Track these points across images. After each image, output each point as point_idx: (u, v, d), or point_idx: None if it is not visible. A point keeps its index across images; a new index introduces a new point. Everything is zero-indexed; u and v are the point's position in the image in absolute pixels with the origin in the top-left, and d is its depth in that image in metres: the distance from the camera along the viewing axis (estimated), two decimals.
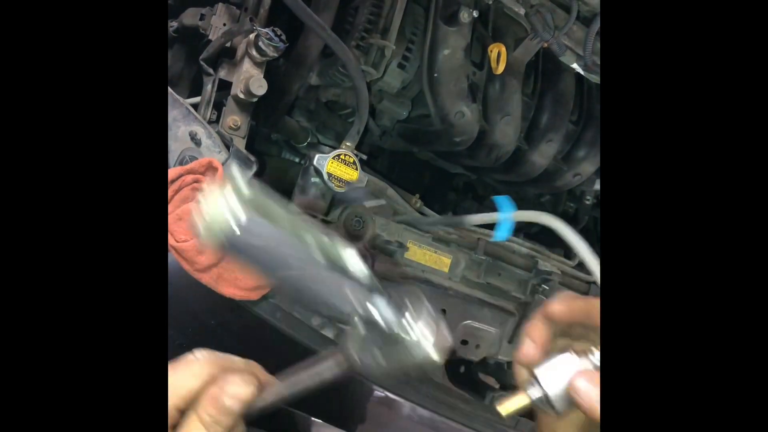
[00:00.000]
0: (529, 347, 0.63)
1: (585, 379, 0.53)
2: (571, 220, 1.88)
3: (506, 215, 0.97)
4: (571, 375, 0.55)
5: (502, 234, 0.98)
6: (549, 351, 0.63)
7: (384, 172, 1.80)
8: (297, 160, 1.52)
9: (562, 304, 0.62)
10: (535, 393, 0.57)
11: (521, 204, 1.98)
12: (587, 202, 1.81)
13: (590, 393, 0.52)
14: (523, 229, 1.86)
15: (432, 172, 1.95)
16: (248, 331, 1.15)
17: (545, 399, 0.57)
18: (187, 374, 0.51)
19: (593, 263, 0.75)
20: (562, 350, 0.59)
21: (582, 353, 0.57)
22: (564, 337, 0.65)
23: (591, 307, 0.59)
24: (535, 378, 0.58)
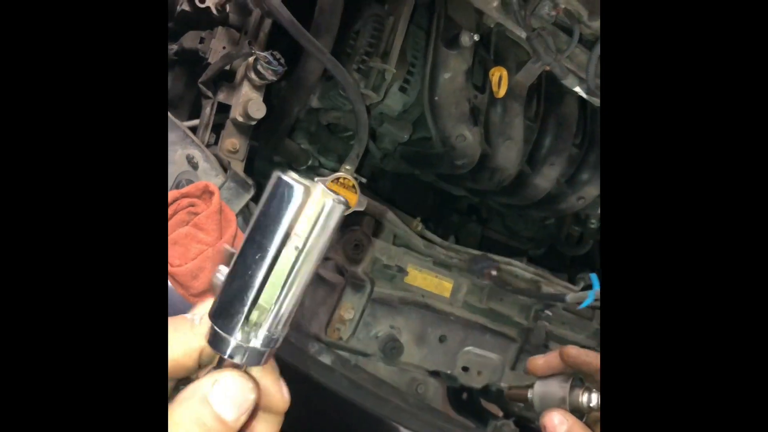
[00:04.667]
0: (540, 358, 0.73)
1: (557, 416, 0.60)
2: (576, 243, 1.86)
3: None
4: (557, 397, 0.66)
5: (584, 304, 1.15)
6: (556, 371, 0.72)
7: (387, 195, 1.79)
8: None
9: (578, 350, 0.70)
10: (529, 395, 0.71)
11: (525, 226, 1.98)
12: (592, 226, 1.78)
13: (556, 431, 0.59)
14: (525, 253, 1.84)
15: (435, 194, 1.94)
16: None
17: (532, 404, 0.71)
18: (183, 330, 0.47)
19: None
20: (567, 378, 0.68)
21: (583, 388, 0.66)
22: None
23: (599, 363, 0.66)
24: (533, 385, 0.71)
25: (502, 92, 1.33)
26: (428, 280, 1.40)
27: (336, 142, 1.52)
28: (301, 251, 0.41)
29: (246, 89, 1.15)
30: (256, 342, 0.42)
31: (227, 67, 1.19)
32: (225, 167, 1.11)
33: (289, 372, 1.19)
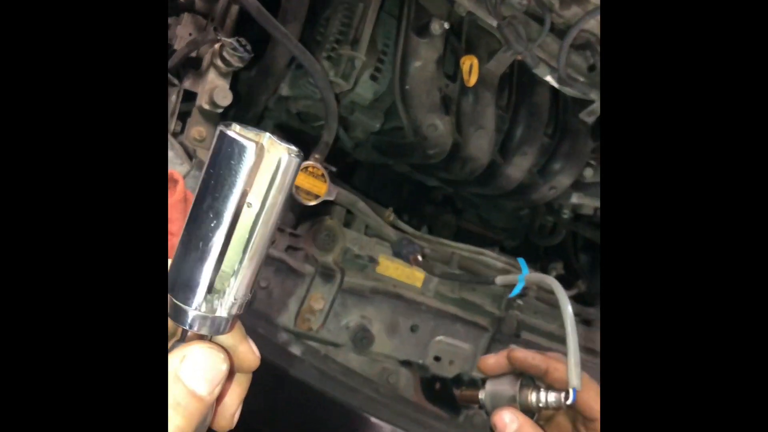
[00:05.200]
0: (490, 357, 0.72)
1: (507, 415, 0.60)
2: (550, 234, 1.87)
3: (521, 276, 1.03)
4: (507, 396, 0.66)
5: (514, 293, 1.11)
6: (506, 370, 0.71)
7: (362, 186, 1.78)
8: None
9: (525, 353, 0.69)
10: (481, 395, 0.70)
11: (499, 217, 1.98)
12: (565, 216, 1.79)
13: (506, 429, 0.59)
14: (498, 244, 1.84)
15: (410, 185, 1.94)
16: None
17: (484, 405, 0.70)
18: None
19: (574, 349, 0.70)
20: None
21: (533, 387, 0.66)
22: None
23: (547, 365, 0.66)
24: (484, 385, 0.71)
25: (472, 81, 1.32)
26: (399, 270, 1.40)
27: (308, 132, 1.50)
28: (260, 212, 0.39)
29: (212, 76, 1.13)
30: (222, 311, 0.40)
31: (193, 54, 1.16)
32: (191, 155, 1.10)
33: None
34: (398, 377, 1.36)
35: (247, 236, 0.39)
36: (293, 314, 1.24)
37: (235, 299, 0.40)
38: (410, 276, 1.40)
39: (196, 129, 1.14)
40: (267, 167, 0.38)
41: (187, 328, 0.41)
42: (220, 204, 0.38)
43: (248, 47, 1.08)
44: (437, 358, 1.41)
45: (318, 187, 1.22)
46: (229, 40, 1.06)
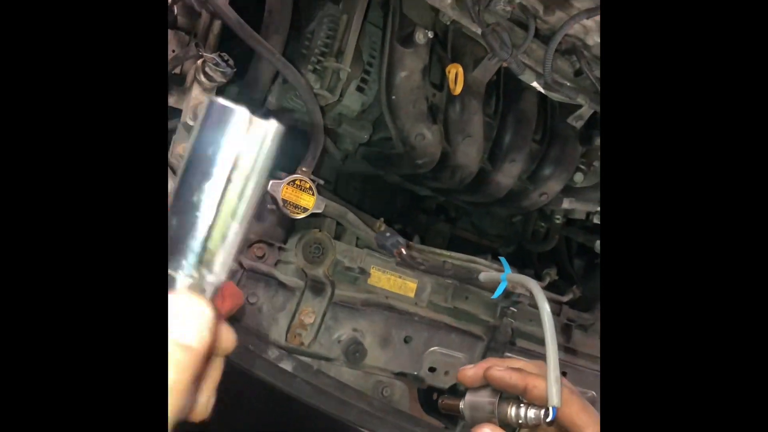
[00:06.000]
0: (469, 369, 0.72)
1: (486, 431, 0.60)
2: (543, 240, 1.86)
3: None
4: (486, 410, 0.66)
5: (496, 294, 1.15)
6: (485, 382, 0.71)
7: (355, 197, 1.78)
8: None
9: (501, 373, 0.68)
10: (461, 405, 0.71)
11: (492, 224, 1.97)
12: (557, 222, 1.78)
13: None
14: (493, 251, 1.84)
15: (403, 196, 1.93)
16: None
17: (463, 415, 0.70)
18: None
19: (554, 365, 0.67)
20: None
21: (511, 402, 0.66)
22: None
23: (525, 383, 0.65)
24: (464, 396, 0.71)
25: (458, 89, 1.32)
26: (392, 281, 1.39)
27: (297, 146, 1.49)
28: (248, 178, 0.40)
29: (196, 92, 1.12)
30: (212, 277, 0.41)
31: (177, 71, 1.16)
32: (175, 172, 1.09)
33: (248, 380, 1.17)
34: (393, 390, 1.35)
35: (236, 202, 0.40)
36: (284, 329, 1.23)
37: (222, 265, 0.41)
38: (402, 287, 1.39)
39: (181, 145, 1.14)
40: (258, 133, 0.40)
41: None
42: (212, 168, 0.39)
43: (230, 62, 1.07)
44: (432, 369, 1.40)
45: (306, 200, 1.21)
46: (211, 55, 1.06)
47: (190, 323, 0.39)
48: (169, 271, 0.40)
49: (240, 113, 0.39)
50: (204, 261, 0.40)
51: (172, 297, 0.40)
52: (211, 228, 0.40)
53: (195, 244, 0.40)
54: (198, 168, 0.40)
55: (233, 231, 0.40)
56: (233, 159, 0.39)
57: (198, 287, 0.41)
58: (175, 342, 0.39)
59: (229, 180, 0.39)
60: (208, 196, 0.39)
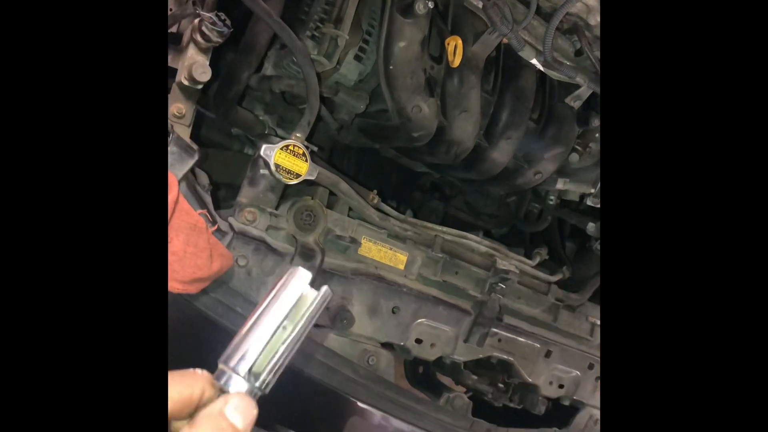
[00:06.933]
0: None
1: None
2: (536, 220, 1.87)
3: None
4: None
5: None
6: None
7: (350, 172, 1.77)
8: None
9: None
10: None
11: (486, 203, 1.97)
12: (551, 202, 1.79)
13: None
14: (486, 230, 1.84)
15: (398, 172, 1.93)
16: (186, 327, 1.11)
17: None
18: (188, 382, 0.52)
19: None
20: None
21: None
22: None
23: None
24: None
25: (456, 61, 1.31)
26: (382, 253, 1.39)
27: (294, 113, 1.49)
28: (296, 328, 0.54)
29: (192, 52, 1.12)
30: (256, 383, 0.53)
31: (174, 30, 1.15)
32: (168, 131, 1.09)
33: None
34: (378, 359, 1.36)
35: (283, 341, 0.54)
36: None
37: (266, 378, 0.54)
38: (393, 258, 1.40)
39: (176, 105, 1.13)
40: (319, 303, 0.55)
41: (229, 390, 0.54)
42: (283, 321, 0.54)
43: (228, 22, 1.07)
44: (418, 341, 1.41)
45: (299, 166, 1.21)
46: (208, 14, 1.05)
47: (243, 414, 0.51)
48: (232, 372, 0.53)
49: (325, 294, 0.55)
50: (253, 373, 0.53)
51: (237, 394, 0.52)
52: (261, 353, 0.53)
53: (253, 360, 0.53)
54: (276, 316, 0.54)
55: (277, 361, 0.54)
56: (287, 310, 0.54)
57: (251, 392, 0.53)
58: (230, 423, 0.51)
59: (280, 326, 0.54)
60: (274, 335, 0.54)
